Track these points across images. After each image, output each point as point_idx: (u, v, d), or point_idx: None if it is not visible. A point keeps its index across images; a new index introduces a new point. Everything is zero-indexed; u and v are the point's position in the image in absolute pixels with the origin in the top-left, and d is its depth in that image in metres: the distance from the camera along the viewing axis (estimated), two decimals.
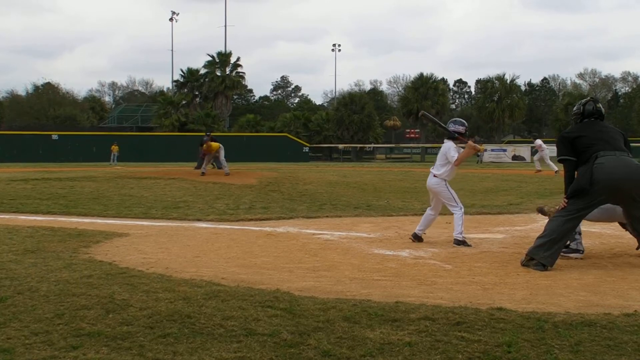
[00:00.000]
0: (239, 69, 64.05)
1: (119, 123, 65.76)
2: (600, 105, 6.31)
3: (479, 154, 43.46)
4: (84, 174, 19.42)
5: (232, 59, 63.28)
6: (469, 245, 7.28)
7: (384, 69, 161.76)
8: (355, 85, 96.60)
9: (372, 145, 57.35)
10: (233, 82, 62.31)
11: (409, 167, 33.58)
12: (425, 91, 59.65)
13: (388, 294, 4.81)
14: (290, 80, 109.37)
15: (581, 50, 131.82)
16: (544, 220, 6.70)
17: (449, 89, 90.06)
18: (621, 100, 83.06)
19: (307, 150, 50.49)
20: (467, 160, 7.85)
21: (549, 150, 24.28)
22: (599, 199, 5.88)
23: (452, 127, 7.63)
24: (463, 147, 7.60)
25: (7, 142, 44.44)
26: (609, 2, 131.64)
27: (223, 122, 60.73)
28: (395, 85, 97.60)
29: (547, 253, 5.89)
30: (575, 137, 6.07)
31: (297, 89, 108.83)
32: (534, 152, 33.02)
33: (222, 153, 19.41)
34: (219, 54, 62.87)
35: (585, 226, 7.03)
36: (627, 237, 6.69)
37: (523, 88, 78.06)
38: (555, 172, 22.26)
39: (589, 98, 6.56)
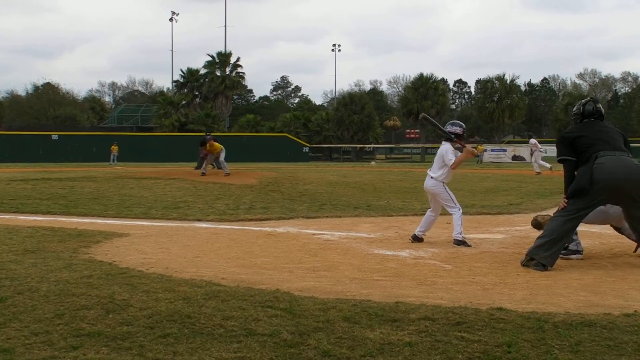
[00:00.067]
0: (239, 69, 64.18)
1: (119, 123, 65.78)
2: (600, 105, 6.31)
3: (479, 154, 43.50)
4: (84, 174, 19.42)
5: (232, 59, 63.39)
6: (469, 246, 7.28)
7: (384, 69, 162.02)
8: (355, 85, 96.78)
9: (372, 145, 57.37)
10: (233, 82, 62.35)
11: (409, 167, 33.59)
12: (425, 91, 59.71)
13: (388, 294, 4.81)
14: (290, 80, 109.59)
15: (581, 50, 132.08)
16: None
17: (449, 89, 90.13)
18: (621, 101, 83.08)
19: (307, 151, 50.54)
20: (467, 161, 7.85)
21: (542, 151, 24.85)
22: (599, 199, 5.88)
23: (449, 128, 7.64)
24: (461, 149, 7.60)
25: (7, 142, 44.48)
26: (609, 2, 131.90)
27: (223, 122, 60.77)
28: (395, 86, 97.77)
29: (547, 253, 5.88)
30: (575, 137, 6.07)
31: (297, 89, 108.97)
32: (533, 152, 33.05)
33: (223, 155, 19.45)
34: (219, 54, 62.92)
35: (585, 226, 7.03)
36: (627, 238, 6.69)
37: (523, 88, 78.11)
38: (550, 168, 23.15)
39: (588, 98, 6.56)
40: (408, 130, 71.57)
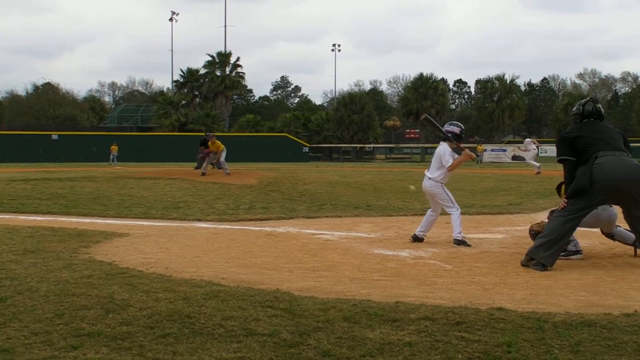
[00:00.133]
0: (239, 69, 64.20)
1: (119, 123, 65.78)
2: (599, 105, 6.31)
3: (479, 153, 43.51)
4: (84, 174, 19.43)
5: (232, 59, 63.40)
6: (468, 245, 7.28)
7: (384, 69, 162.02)
8: (355, 85, 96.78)
9: (372, 145, 57.37)
10: (233, 82, 62.36)
11: (409, 167, 33.59)
12: (425, 91, 59.74)
13: (388, 294, 4.81)
14: (290, 80, 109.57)
15: (581, 50, 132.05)
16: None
17: (449, 89, 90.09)
18: (621, 101, 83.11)
19: (307, 150, 50.51)
20: (467, 161, 7.85)
21: (533, 153, 25.12)
22: (598, 198, 5.88)
23: (446, 127, 7.66)
24: (459, 151, 7.60)
25: (7, 142, 44.47)
26: (609, 2, 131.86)
27: (223, 122, 60.77)
28: (395, 85, 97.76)
29: (547, 253, 5.88)
30: (574, 137, 6.07)
31: (297, 89, 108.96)
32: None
33: (223, 155, 19.50)
34: (219, 54, 62.92)
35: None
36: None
37: (523, 88, 78.15)
38: (537, 167, 23.67)
39: (588, 98, 6.56)
40: (408, 130, 71.56)
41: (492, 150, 48.53)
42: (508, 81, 62.92)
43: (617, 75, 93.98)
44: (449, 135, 7.53)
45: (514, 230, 8.80)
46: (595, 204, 5.96)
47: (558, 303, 4.54)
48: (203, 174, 18.64)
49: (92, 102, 80.00)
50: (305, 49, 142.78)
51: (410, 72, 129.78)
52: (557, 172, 21.55)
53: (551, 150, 42.64)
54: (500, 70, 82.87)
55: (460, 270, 5.95)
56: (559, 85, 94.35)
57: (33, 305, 4.37)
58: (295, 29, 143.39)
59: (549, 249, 5.88)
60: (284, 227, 9.20)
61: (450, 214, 7.49)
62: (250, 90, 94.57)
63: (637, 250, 6.62)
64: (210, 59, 63.04)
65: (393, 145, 65.48)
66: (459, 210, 7.50)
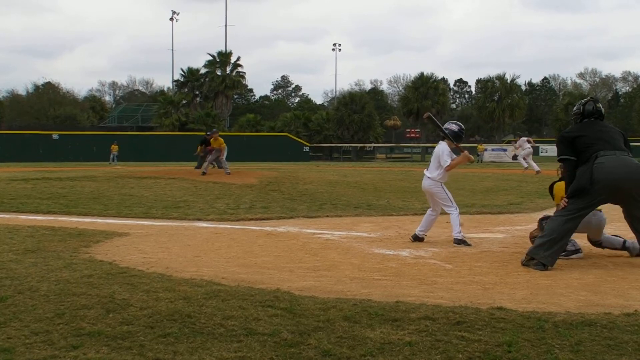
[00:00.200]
0: (239, 69, 64.19)
1: (119, 123, 65.79)
2: (600, 105, 6.30)
3: (479, 153, 43.51)
4: (84, 174, 19.43)
5: (233, 59, 63.41)
6: (469, 245, 7.28)
7: (384, 69, 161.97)
8: (356, 84, 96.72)
9: (373, 144, 57.35)
10: (233, 82, 62.36)
11: (409, 167, 33.59)
12: (425, 91, 59.67)
13: (388, 294, 4.81)
14: (290, 79, 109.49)
15: (581, 50, 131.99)
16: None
17: (449, 89, 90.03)
18: (621, 100, 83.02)
19: (307, 150, 50.51)
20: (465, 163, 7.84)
21: (528, 152, 25.51)
22: (599, 198, 5.88)
23: (446, 126, 7.67)
24: (457, 151, 7.60)
25: (7, 141, 44.48)
26: (609, 2, 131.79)
27: (223, 121, 60.75)
28: (395, 85, 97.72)
29: (547, 253, 5.88)
30: (575, 136, 6.07)
31: (298, 88, 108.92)
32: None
33: (224, 153, 19.50)
34: (219, 53, 62.92)
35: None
36: (629, 237, 6.67)
37: (523, 88, 78.05)
38: (525, 168, 24.40)
39: (589, 98, 6.56)
40: (408, 130, 71.53)
41: (493, 149, 48.52)
42: (508, 81, 62.86)
43: (618, 74, 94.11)
44: (447, 132, 7.54)
45: (514, 230, 8.80)
46: (596, 203, 5.96)
47: (558, 303, 4.54)
48: (203, 173, 18.64)
49: (93, 102, 79.99)
50: (306, 48, 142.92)
51: (411, 72, 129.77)
52: (529, 172, 21.75)
53: (552, 149, 42.68)
54: (501, 70, 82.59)
55: (460, 270, 5.95)
56: (560, 84, 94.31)
57: (33, 305, 4.37)
58: (296, 28, 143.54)
59: (549, 248, 5.88)
60: (284, 227, 9.20)
61: (449, 214, 7.50)
62: (251, 90, 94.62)
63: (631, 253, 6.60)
64: (210, 58, 63.10)
65: (393, 144, 65.47)
66: (458, 209, 7.50)
